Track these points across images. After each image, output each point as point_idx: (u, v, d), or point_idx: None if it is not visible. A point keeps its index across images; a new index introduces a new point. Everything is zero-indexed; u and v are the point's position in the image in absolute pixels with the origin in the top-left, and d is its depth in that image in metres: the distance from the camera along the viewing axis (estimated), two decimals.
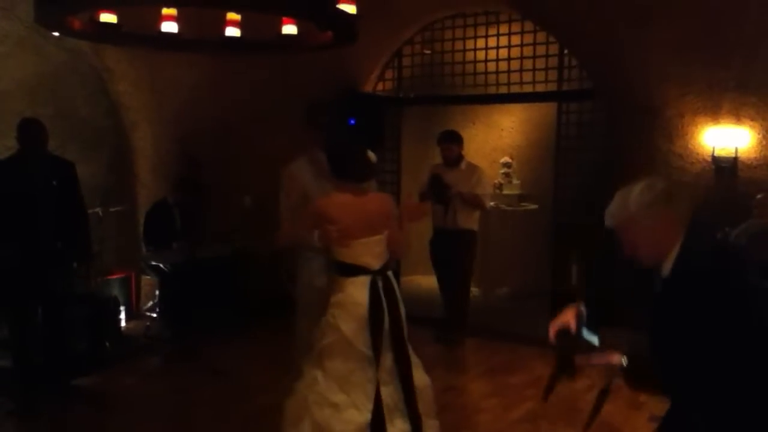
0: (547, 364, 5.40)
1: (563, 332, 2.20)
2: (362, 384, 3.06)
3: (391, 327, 3.11)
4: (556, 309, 7.25)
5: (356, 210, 3.10)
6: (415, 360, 3.26)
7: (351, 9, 3.77)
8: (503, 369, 5.27)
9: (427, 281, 8.06)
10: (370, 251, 3.13)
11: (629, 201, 2.03)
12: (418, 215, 3.43)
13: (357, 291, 3.10)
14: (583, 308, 2.23)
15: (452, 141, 5.94)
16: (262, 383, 4.61)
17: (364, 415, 3.00)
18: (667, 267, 2.02)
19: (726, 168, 5.60)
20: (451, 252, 5.84)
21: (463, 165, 5.93)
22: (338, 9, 3.59)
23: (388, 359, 3.11)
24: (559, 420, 4.30)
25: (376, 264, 3.15)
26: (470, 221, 5.87)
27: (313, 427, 3.02)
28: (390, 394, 3.09)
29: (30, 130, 4.53)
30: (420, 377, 3.23)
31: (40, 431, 4.17)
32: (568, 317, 2.22)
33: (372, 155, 3.15)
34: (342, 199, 3.13)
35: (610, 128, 6.20)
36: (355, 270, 3.13)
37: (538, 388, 4.82)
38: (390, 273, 3.23)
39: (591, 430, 4.11)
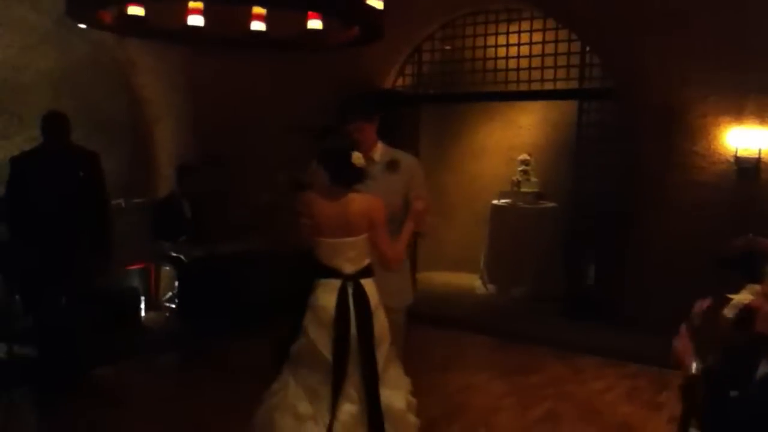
0: (564, 364, 5.45)
1: None
2: (324, 396, 2.88)
3: (359, 338, 2.90)
4: (571, 310, 7.28)
5: (333, 208, 2.95)
6: (396, 379, 3.04)
7: (378, 4, 3.77)
8: (521, 369, 5.26)
9: (441, 278, 8.09)
10: (343, 254, 2.96)
11: None
12: (418, 220, 3.16)
13: (326, 295, 2.94)
14: None
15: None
16: None
17: (321, 430, 2.84)
18: None
19: (749, 169, 5.56)
20: None
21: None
22: (367, 5, 3.59)
23: (355, 373, 2.90)
24: (578, 420, 4.30)
25: (349, 268, 2.96)
26: None
27: None
28: (351, 411, 2.87)
29: (54, 123, 4.57)
30: (398, 399, 2.99)
31: (56, 422, 4.20)
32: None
33: (359, 159, 2.95)
34: (324, 195, 3.00)
35: (630, 127, 6.16)
36: (327, 272, 2.99)
37: (556, 388, 4.84)
38: (366, 280, 2.98)
39: (609, 431, 4.14)
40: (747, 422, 1.99)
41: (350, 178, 2.96)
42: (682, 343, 2.20)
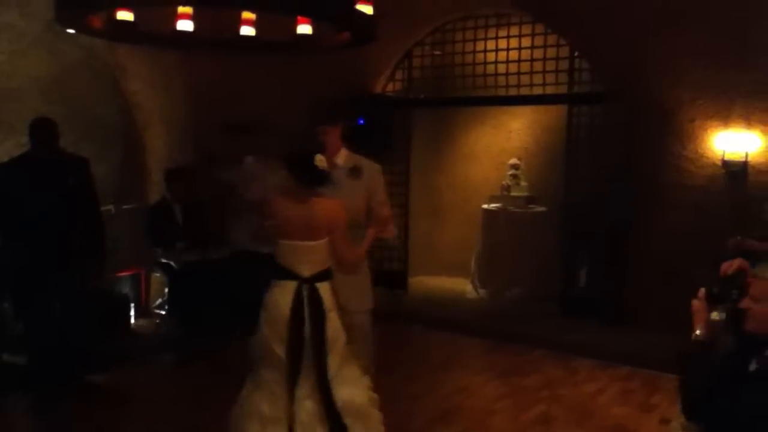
0: (558, 366, 5.47)
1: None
2: (281, 395, 2.96)
3: (313, 340, 2.96)
4: (565, 312, 7.33)
5: (297, 211, 3.00)
6: (354, 377, 3.11)
7: (368, 10, 3.80)
8: (515, 371, 5.28)
9: (434, 282, 8.10)
10: (303, 256, 3.02)
11: None
12: (381, 227, 3.28)
13: (281, 296, 3.01)
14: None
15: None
16: None
17: (283, 431, 2.92)
18: None
19: (736, 172, 5.61)
20: None
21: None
22: (357, 10, 3.61)
23: (311, 373, 2.97)
24: (571, 422, 4.32)
25: (307, 271, 3.01)
26: None
27: None
28: (310, 409, 2.96)
29: (41, 129, 4.55)
30: (359, 395, 3.08)
31: (54, 427, 4.18)
32: None
33: (322, 162, 3.01)
34: (288, 198, 3.05)
35: (620, 131, 6.21)
36: (284, 273, 3.04)
37: (550, 390, 4.86)
38: (322, 284, 3.03)
39: None
40: (738, 420, 2.01)
41: (313, 180, 3.02)
42: (699, 305, 2.21)
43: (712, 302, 2.18)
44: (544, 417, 4.39)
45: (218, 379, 4.89)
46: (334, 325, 3.04)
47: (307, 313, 2.98)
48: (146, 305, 6.47)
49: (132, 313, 6.04)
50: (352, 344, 3.15)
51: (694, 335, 2.18)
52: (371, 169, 3.51)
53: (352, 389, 3.06)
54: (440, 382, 5.01)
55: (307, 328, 2.97)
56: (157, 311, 6.32)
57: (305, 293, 2.99)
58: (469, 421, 4.31)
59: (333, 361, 3.01)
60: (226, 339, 5.57)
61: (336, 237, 3.03)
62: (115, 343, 5.42)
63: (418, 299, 7.38)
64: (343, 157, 3.45)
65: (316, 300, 3.00)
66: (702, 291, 2.22)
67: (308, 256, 3.02)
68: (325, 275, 3.07)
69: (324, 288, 3.04)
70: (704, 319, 2.18)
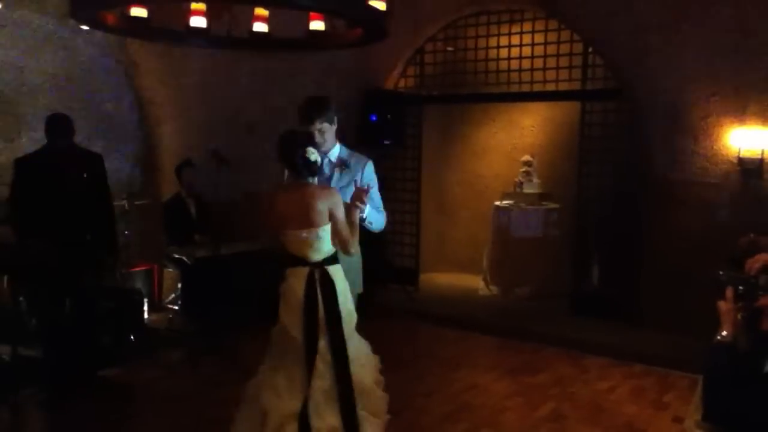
0: (570, 364, 5.46)
1: None
2: (298, 373, 3.12)
3: (327, 320, 3.14)
4: (576, 310, 7.31)
5: (294, 201, 3.16)
6: (366, 357, 3.28)
7: (381, 5, 3.78)
8: (526, 368, 5.27)
9: (445, 279, 8.10)
10: (308, 243, 3.16)
11: None
12: (358, 200, 3.33)
13: (295, 282, 3.17)
14: None
15: None
16: None
17: (295, 405, 3.07)
18: None
19: (752, 170, 5.56)
20: None
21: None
22: (369, 5, 3.60)
23: (325, 351, 3.13)
24: (582, 420, 4.30)
25: (315, 256, 3.17)
26: None
27: (260, 410, 3.13)
28: (323, 386, 3.11)
29: (58, 124, 4.59)
30: (368, 374, 3.23)
31: (68, 422, 4.21)
32: None
33: (313, 153, 3.14)
34: (285, 190, 3.24)
35: (634, 128, 6.16)
36: (295, 261, 3.20)
37: (561, 387, 4.84)
38: (332, 267, 3.20)
39: (614, 431, 4.14)
40: (753, 421, 1.99)
41: (305, 170, 3.15)
42: (726, 306, 2.18)
43: (739, 302, 2.15)
44: (556, 414, 4.38)
45: (231, 373, 4.92)
46: (348, 305, 3.22)
47: (320, 294, 3.14)
48: (159, 300, 6.51)
49: (145, 308, 6.08)
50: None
51: (720, 336, 2.15)
52: (360, 162, 3.63)
53: (361, 369, 3.21)
54: (451, 379, 5.01)
55: (320, 310, 3.13)
56: (170, 306, 6.36)
57: (317, 276, 3.16)
58: (480, 418, 4.30)
59: (348, 342, 3.17)
60: (239, 334, 5.61)
61: (337, 223, 3.16)
62: (129, 338, 5.45)
63: (430, 296, 7.37)
64: (336, 152, 3.61)
65: (327, 282, 3.16)
66: (729, 291, 2.19)
67: (312, 242, 3.15)
68: (333, 258, 3.23)
69: (334, 270, 3.21)
70: (732, 320, 2.15)
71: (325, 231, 3.15)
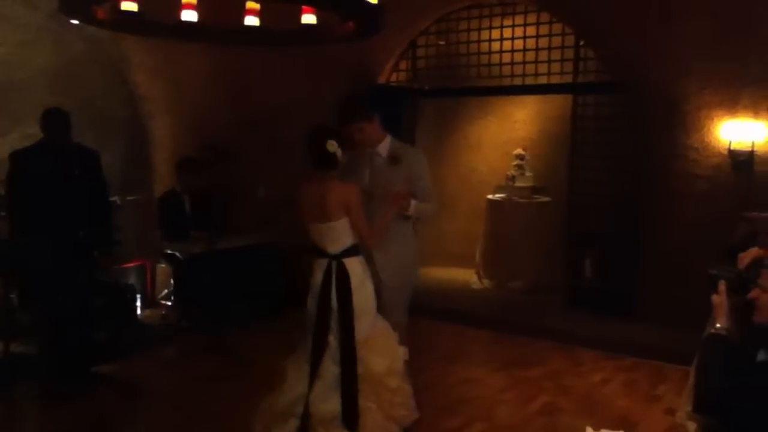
0: (563, 357, 5.48)
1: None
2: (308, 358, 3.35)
3: (339, 310, 3.30)
4: (569, 303, 7.32)
5: (314, 195, 3.31)
6: (383, 347, 3.39)
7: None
8: (520, 362, 5.28)
9: (440, 272, 8.10)
10: (326, 236, 3.33)
11: None
12: (393, 203, 3.47)
13: (318, 271, 3.38)
14: None
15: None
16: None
17: (305, 387, 3.28)
18: None
19: (743, 162, 5.58)
20: None
21: None
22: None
23: (334, 339, 3.32)
24: (576, 412, 4.32)
25: (333, 248, 3.34)
26: None
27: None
28: (335, 371, 3.30)
29: (54, 119, 4.55)
30: (379, 365, 3.33)
31: (62, 418, 4.20)
32: None
33: (333, 146, 3.26)
34: (309, 183, 3.37)
35: (626, 121, 6.18)
36: (318, 252, 3.40)
37: (555, 380, 4.86)
38: (349, 259, 3.35)
39: (608, 423, 4.16)
40: (745, 411, 2.01)
41: (325, 163, 3.30)
42: (719, 299, 2.20)
43: (732, 295, 2.17)
44: (549, 407, 4.40)
45: (224, 369, 4.93)
46: (364, 297, 3.37)
47: (335, 285, 3.31)
48: (152, 296, 6.50)
49: (138, 303, 6.07)
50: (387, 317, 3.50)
51: (714, 328, 2.16)
52: (412, 156, 3.73)
53: (375, 357, 3.33)
54: (446, 373, 5.02)
55: (334, 300, 3.31)
56: (163, 302, 6.35)
57: (334, 268, 3.33)
58: (475, 411, 4.31)
59: (360, 330, 3.31)
60: (233, 329, 5.60)
61: (353, 216, 3.30)
62: (123, 333, 5.44)
63: (424, 290, 7.36)
64: (386, 146, 3.69)
65: (343, 274, 3.32)
66: (722, 284, 2.20)
67: (330, 235, 3.33)
68: (351, 251, 3.38)
69: (352, 263, 3.37)
70: (725, 313, 2.17)
71: (342, 224, 3.31)
